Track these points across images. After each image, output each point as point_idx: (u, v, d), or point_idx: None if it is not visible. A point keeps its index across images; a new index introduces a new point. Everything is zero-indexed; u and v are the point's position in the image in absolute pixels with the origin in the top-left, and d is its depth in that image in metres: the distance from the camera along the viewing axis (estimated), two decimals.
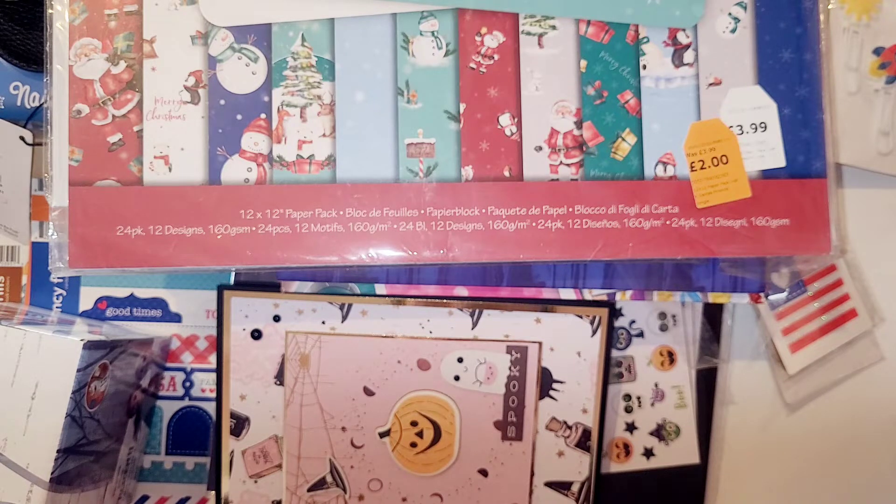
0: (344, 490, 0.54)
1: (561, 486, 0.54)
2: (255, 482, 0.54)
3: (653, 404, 0.56)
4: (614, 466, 0.56)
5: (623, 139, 0.47)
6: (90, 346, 0.45)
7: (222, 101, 0.46)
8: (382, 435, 0.54)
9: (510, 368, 0.53)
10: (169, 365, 0.57)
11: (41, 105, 0.54)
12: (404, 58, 0.46)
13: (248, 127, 0.46)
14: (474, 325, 0.53)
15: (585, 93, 0.47)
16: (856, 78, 0.55)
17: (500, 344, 0.53)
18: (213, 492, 0.54)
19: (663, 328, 0.57)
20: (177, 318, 0.56)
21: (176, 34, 0.46)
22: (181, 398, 0.57)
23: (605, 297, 0.52)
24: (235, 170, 0.46)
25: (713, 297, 0.52)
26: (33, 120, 0.53)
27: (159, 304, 0.56)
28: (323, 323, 0.53)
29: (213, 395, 0.56)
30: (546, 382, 0.54)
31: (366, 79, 0.46)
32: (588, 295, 0.52)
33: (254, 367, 0.53)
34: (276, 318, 0.53)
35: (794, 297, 0.57)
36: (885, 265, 0.58)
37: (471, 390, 0.53)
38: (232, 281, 0.54)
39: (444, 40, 0.46)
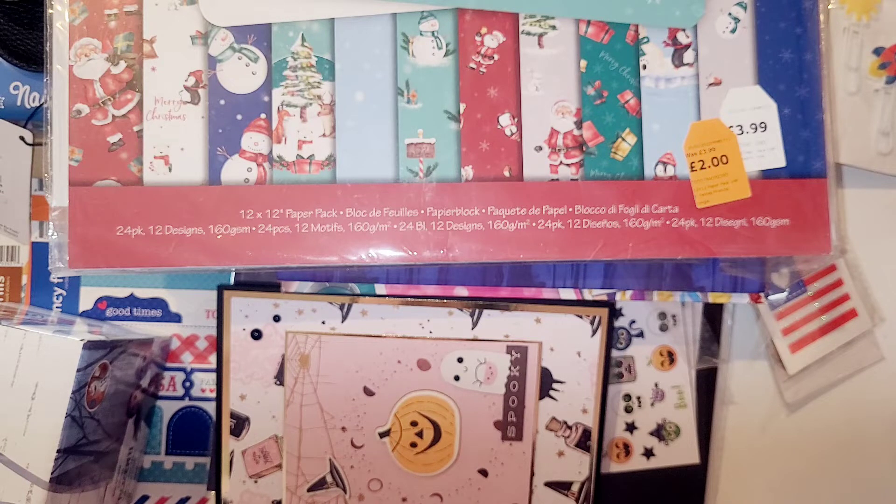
0: (344, 490, 0.54)
1: (561, 486, 0.54)
2: (255, 482, 0.54)
3: (653, 404, 0.56)
4: (614, 466, 0.56)
5: (623, 139, 0.47)
6: (90, 346, 0.45)
7: (222, 101, 0.46)
8: (382, 435, 0.54)
9: (510, 368, 0.53)
10: (169, 365, 0.57)
11: (41, 105, 0.54)
12: (404, 58, 0.46)
13: (248, 127, 0.46)
14: (474, 325, 0.53)
15: (585, 93, 0.47)
16: (856, 78, 0.55)
17: (500, 344, 0.53)
18: (213, 492, 0.54)
19: (663, 328, 0.57)
20: (177, 318, 0.56)
21: (176, 34, 0.46)
22: (181, 398, 0.57)
23: (605, 297, 0.52)
24: (235, 170, 0.46)
25: (713, 297, 0.52)
26: (33, 120, 0.53)
27: (159, 304, 0.56)
28: (323, 323, 0.53)
29: (213, 395, 0.56)
30: (546, 382, 0.54)
31: (366, 79, 0.46)
32: (588, 295, 0.52)
33: (254, 367, 0.53)
34: (276, 318, 0.53)
35: (794, 297, 0.57)
36: (885, 265, 0.58)
37: (471, 390, 0.53)
38: (232, 281, 0.54)
39: (444, 40, 0.46)
